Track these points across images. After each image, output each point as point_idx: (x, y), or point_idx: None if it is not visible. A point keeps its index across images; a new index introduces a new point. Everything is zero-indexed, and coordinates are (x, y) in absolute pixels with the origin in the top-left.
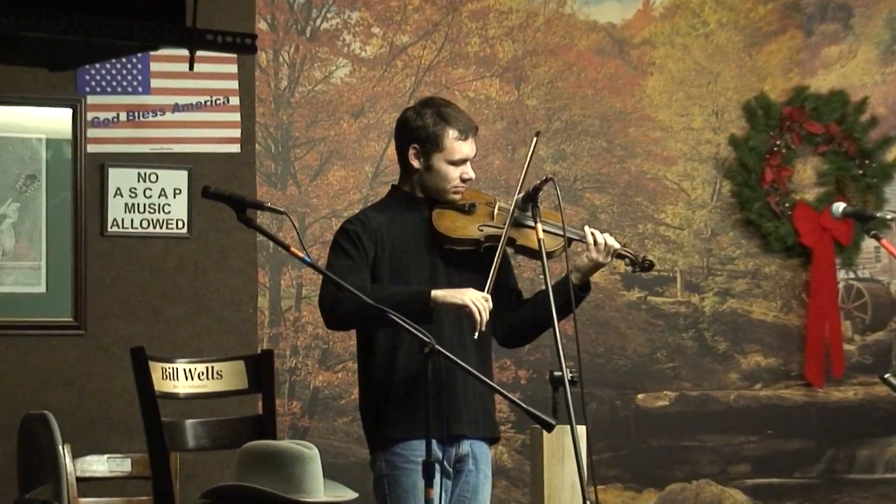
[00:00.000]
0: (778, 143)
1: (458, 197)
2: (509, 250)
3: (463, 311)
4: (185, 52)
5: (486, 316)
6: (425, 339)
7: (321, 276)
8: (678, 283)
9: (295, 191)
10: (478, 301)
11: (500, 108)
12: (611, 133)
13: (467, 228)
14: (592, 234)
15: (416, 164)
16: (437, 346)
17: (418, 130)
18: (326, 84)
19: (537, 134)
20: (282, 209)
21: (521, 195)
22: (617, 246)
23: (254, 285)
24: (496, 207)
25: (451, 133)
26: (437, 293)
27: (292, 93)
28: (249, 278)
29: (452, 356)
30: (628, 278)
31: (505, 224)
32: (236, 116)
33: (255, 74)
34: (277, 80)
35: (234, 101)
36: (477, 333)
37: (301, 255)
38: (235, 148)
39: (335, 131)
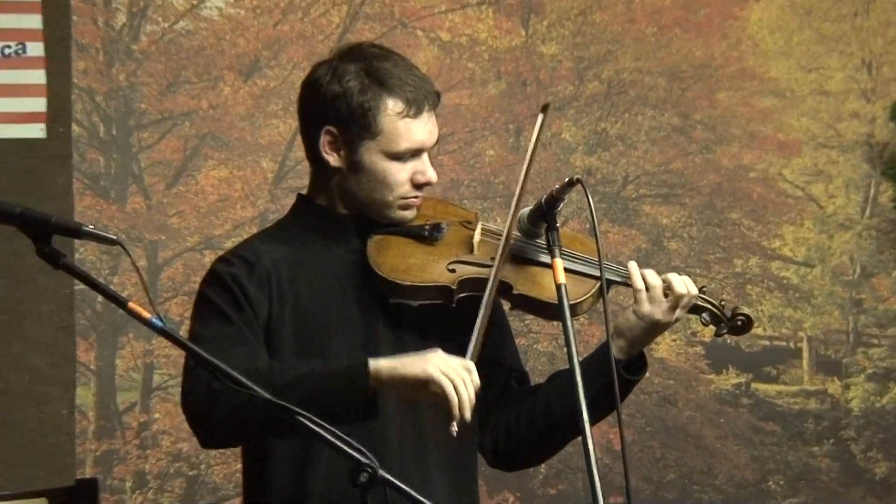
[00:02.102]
0: None
1: (409, 214)
2: (504, 303)
3: (427, 393)
4: None
5: (468, 397)
6: (361, 458)
7: (185, 355)
8: (805, 359)
9: (141, 204)
10: (454, 372)
11: (496, 59)
12: (686, 102)
13: (428, 269)
14: (644, 274)
15: (333, 159)
16: (382, 473)
17: (335, 102)
18: (194, 20)
19: (544, 109)
20: (115, 237)
21: (529, 209)
22: (692, 291)
23: (70, 368)
24: (478, 230)
25: (392, 105)
26: (382, 365)
27: (135, 36)
28: (62, 356)
29: (407, 488)
30: (718, 351)
31: (495, 259)
32: (40, 77)
33: (71, 5)
34: (110, 15)
35: (37, 50)
36: (455, 427)
37: (147, 315)
38: (38, 131)
39: (210, 101)
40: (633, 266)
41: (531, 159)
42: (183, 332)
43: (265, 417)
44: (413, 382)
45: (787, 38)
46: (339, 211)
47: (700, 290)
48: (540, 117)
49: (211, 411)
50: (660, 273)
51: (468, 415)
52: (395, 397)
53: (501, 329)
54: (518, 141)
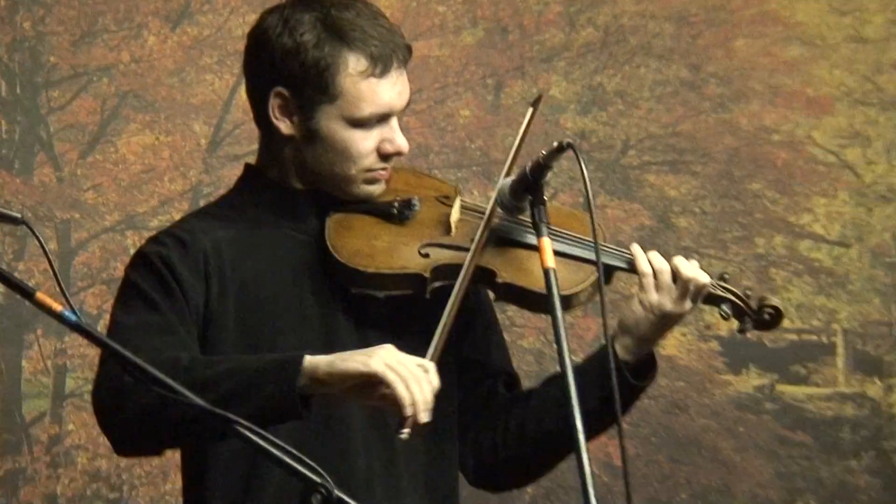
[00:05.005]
0: None
1: (377, 189)
2: (489, 295)
3: (374, 395)
4: None
5: (423, 396)
6: (313, 476)
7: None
8: (840, 356)
9: (50, 176)
10: (405, 369)
11: (472, 1)
12: (696, 52)
13: (397, 254)
14: (650, 257)
15: (285, 126)
16: (338, 493)
17: (286, 59)
18: None
19: (535, 102)
20: (19, 215)
21: (511, 179)
22: (705, 280)
23: None
24: (456, 207)
25: (354, 62)
26: (318, 361)
27: None
28: None
29: None
30: (736, 347)
31: (474, 241)
32: None
33: None
34: None
35: None
36: (406, 432)
37: (58, 307)
38: None
39: (133, 53)
40: (636, 248)
41: (520, 144)
42: (101, 326)
43: (187, 417)
44: (354, 379)
45: None
46: (294, 185)
47: (720, 276)
48: (529, 111)
49: (122, 408)
50: (664, 256)
51: (423, 416)
52: (362, 413)
53: (487, 324)
54: (497, 98)
